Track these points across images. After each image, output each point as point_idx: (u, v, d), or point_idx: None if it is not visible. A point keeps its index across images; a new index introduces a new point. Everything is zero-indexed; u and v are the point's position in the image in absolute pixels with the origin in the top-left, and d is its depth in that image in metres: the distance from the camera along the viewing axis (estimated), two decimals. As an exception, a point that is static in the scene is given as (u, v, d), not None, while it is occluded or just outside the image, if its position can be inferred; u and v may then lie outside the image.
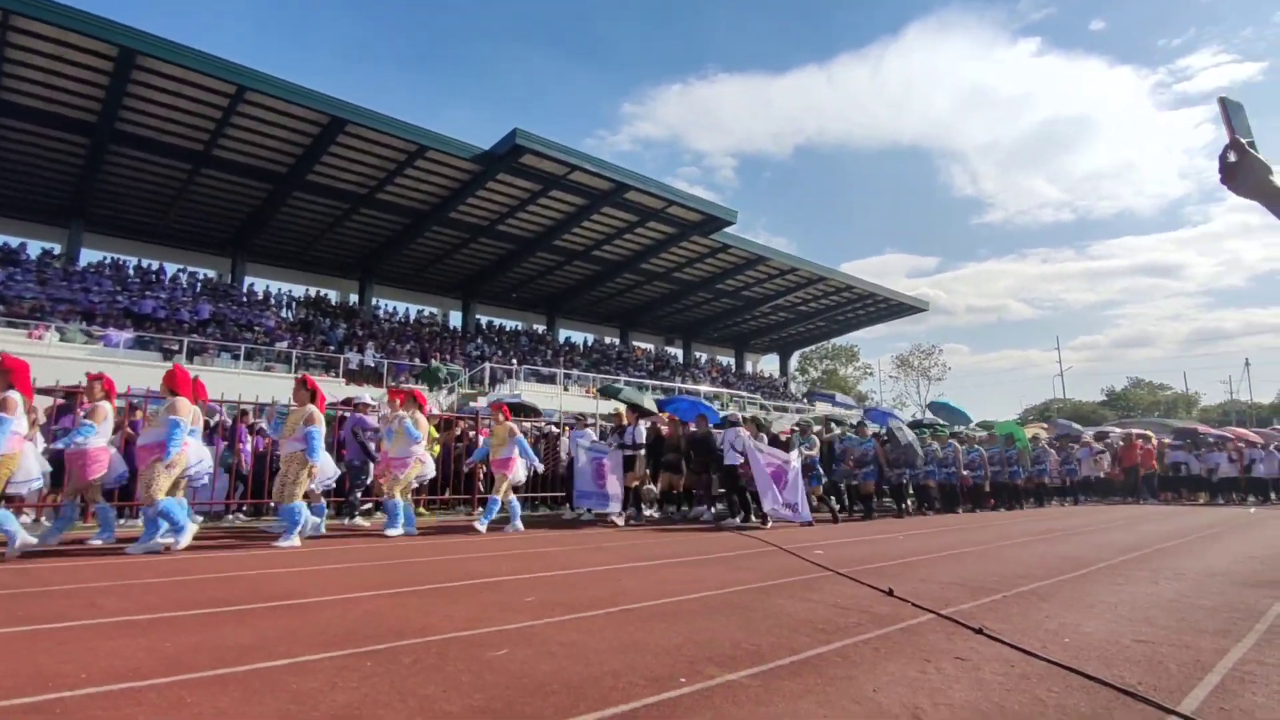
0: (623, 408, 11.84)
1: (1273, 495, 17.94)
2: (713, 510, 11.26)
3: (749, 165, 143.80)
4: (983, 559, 6.84)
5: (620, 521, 9.99)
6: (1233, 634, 3.84)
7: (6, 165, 21.92)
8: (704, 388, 33.14)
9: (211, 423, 8.87)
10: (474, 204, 26.07)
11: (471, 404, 19.26)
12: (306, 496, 7.31)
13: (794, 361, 54.29)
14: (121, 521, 7.75)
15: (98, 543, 6.61)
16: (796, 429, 12.69)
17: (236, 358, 20.54)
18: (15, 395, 5.74)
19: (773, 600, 4.59)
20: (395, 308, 32.22)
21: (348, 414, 9.81)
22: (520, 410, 13.59)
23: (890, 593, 4.76)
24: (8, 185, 23.02)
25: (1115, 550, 7.63)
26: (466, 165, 23.38)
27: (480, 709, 2.47)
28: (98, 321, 19.72)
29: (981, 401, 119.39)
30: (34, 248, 23.72)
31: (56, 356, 15.02)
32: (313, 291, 30.11)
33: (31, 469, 5.88)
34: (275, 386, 9.39)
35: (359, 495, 9.53)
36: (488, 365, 25.61)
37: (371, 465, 9.24)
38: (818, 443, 11.34)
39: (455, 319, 34.43)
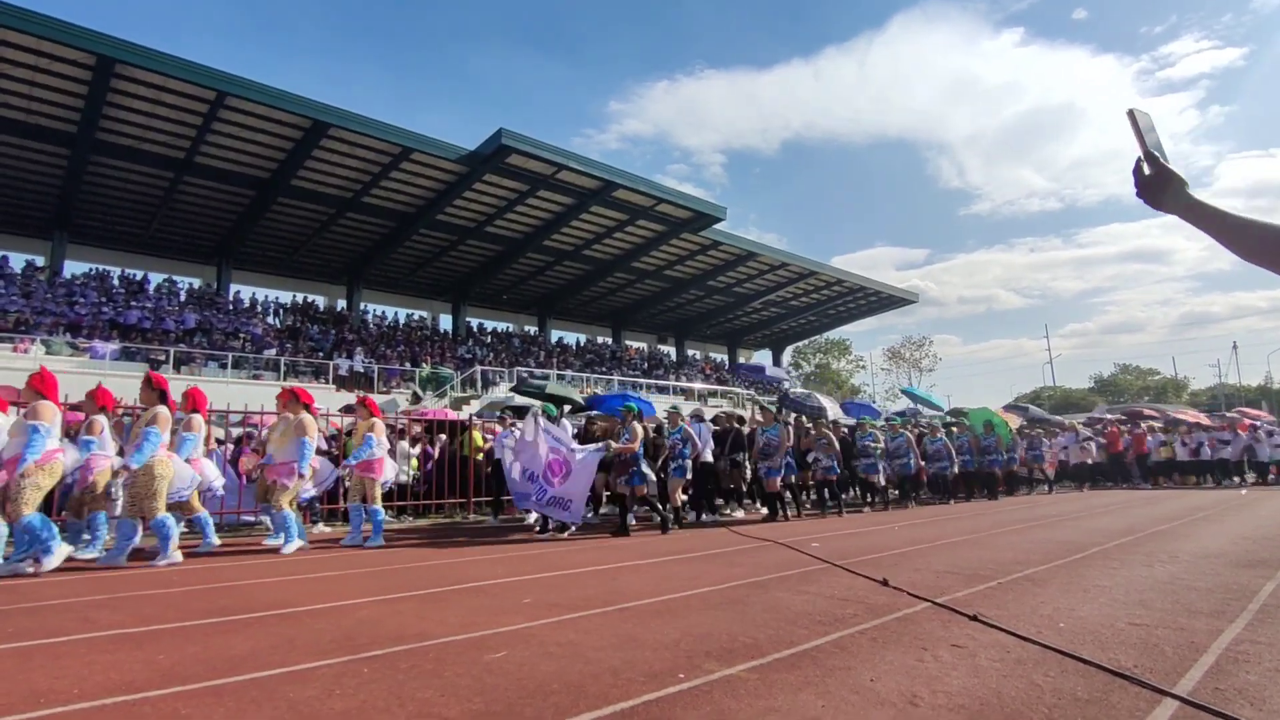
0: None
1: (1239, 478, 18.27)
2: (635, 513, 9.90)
3: (738, 161, 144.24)
4: (977, 547, 6.87)
5: (564, 532, 8.76)
6: (1226, 614, 3.87)
7: (-14, 178, 21.69)
8: (698, 385, 33.17)
9: (220, 435, 8.85)
10: (461, 205, 25.96)
11: (466, 407, 19.20)
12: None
13: (787, 356, 54.40)
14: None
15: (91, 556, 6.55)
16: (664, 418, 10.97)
17: (225, 366, 20.38)
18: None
19: (770, 594, 4.60)
20: (384, 312, 32.06)
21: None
22: (556, 400, 13.25)
23: (885, 583, 4.78)
24: (-12, 198, 22.78)
25: (1109, 535, 7.69)
26: (452, 167, 23.28)
27: (480, 712, 2.46)
28: (83, 334, 19.53)
29: (973, 391, 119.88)
30: (17, 260, 23.47)
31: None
32: (300, 298, 29.91)
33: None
34: (264, 394, 9.31)
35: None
36: (479, 368, 25.52)
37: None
38: (639, 432, 9.20)
39: (445, 322, 34.29)
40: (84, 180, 21.94)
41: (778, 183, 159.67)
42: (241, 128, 20.43)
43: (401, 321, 31.70)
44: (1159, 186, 1.44)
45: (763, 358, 50.59)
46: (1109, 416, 23.01)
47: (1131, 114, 1.49)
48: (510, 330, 36.03)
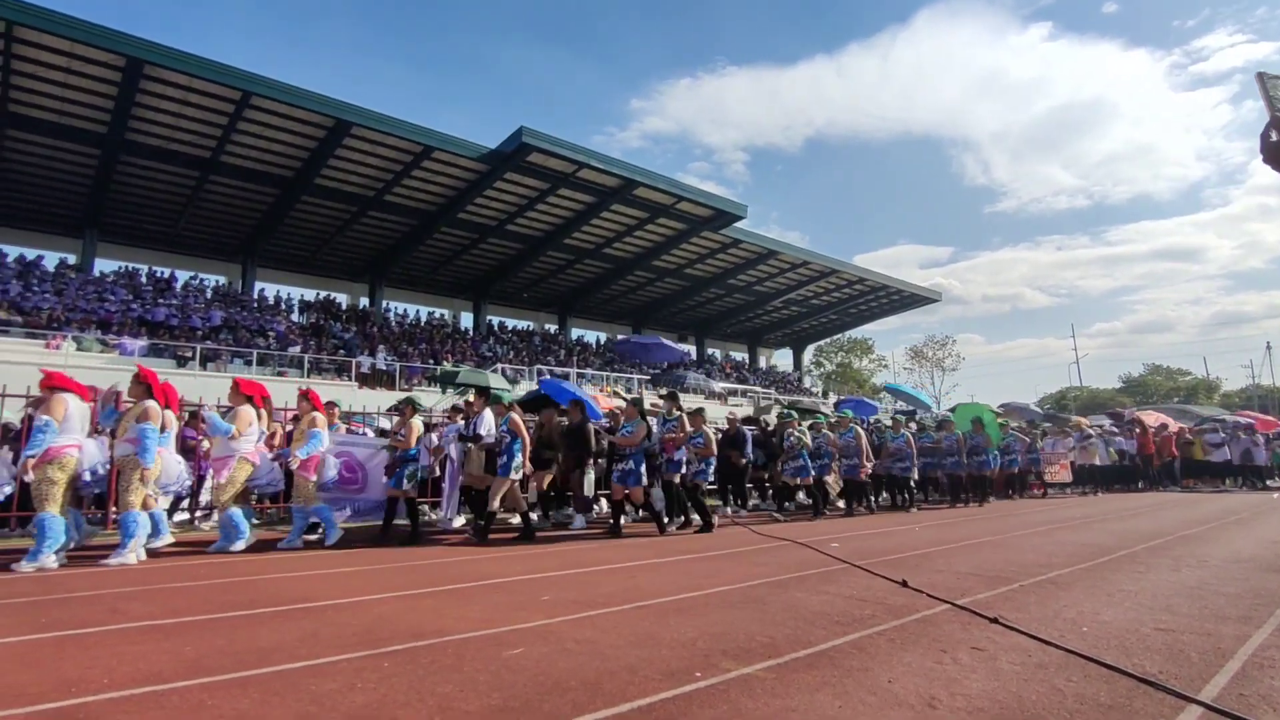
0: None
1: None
2: (584, 516, 9.18)
3: (760, 159, 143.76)
4: (1000, 549, 6.80)
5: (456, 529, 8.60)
6: (1254, 620, 3.80)
7: (22, 178, 22.16)
8: (718, 384, 33.11)
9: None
10: (482, 204, 26.11)
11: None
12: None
13: (808, 355, 54.11)
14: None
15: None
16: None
17: (249, 363, 20.69)
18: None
19: (788, 593, 4.58)
20: (406, 310, 32.35)
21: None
22: (473, 388, 12.68)
23: (905, 584, 4.74)
24: (24, 198, 23.27)
25: (1136, 538, 7.57)
26: (474, 165, 23.41)
27: (498, 707, 2.48)
28: (113, 330, 19.92)
29: (998, 391, 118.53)
30: (50, 259, 24.01)
31: (75, 366, 15.16)
32: (323, 295, 30.27)
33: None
34: (288, 391, 9.41)
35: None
36: (500, 366, 25.67)
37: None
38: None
39: (466, 320, 34.53)
40: (114, 180, 22.36)
41: (800, 180, 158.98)
42: (266, 127, 20.70)
43: (423, 319, 31.96)
44: None
45: (783, 356, 50.42)
46: (1147, 417, 22.04)
47: (1261, 77, 1.44)
48: (531, 328, 36.18)
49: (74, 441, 5.88)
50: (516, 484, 8.19)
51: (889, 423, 13.67)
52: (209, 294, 25.34)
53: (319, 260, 29.86)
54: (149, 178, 22.61)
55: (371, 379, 22.41)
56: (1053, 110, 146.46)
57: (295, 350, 22.42)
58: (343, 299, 31.10)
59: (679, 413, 9.09)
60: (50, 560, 5.55)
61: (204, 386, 12.92)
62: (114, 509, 7.12)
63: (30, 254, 23.13)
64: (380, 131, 21.08)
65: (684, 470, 8.86)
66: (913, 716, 2.42)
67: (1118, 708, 2.51)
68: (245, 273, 27.68)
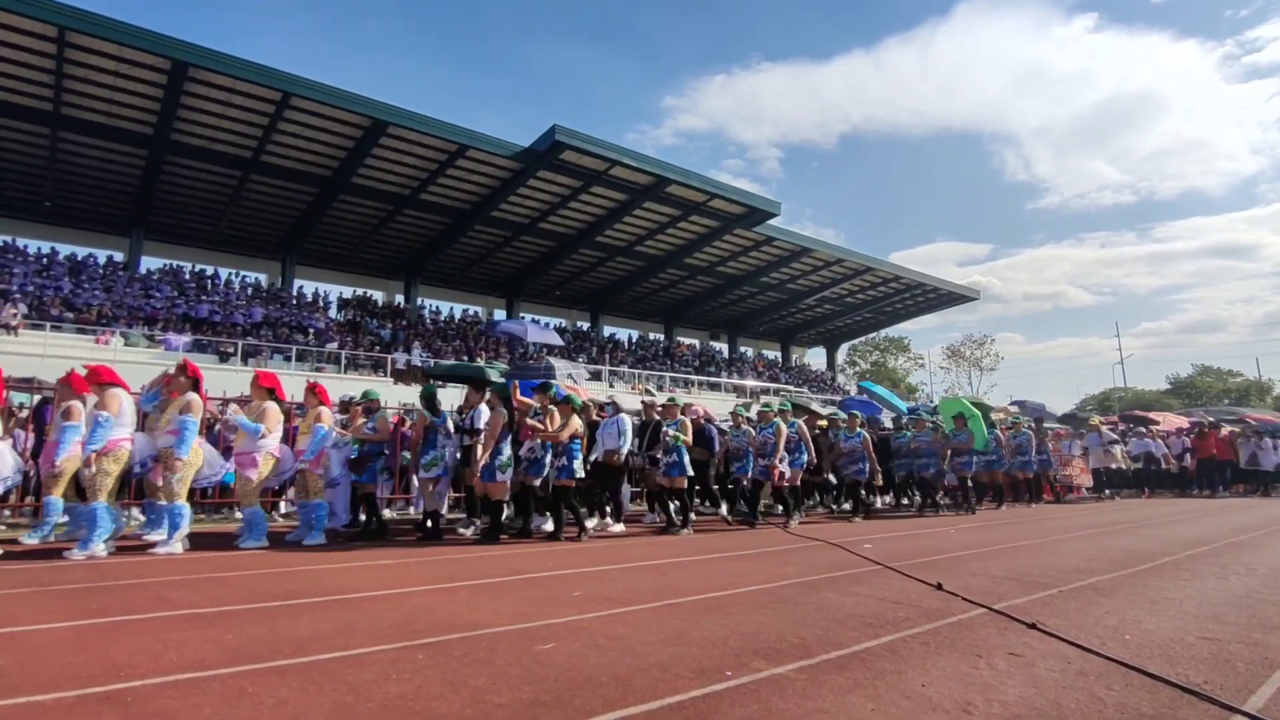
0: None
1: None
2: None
3: (795, 156, 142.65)
4: (1039, 553, 6.67)
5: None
6: (1307, 630, 3.67)
7: (73, 178, 22.91)
8: (750, 382, 32.94)
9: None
10: (515, 202, 26.30)
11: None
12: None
13: (842, 354, 53.54)
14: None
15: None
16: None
17: (289, 359, 21.14)
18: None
19: (820, 594, 4.55)
20: (440, 307, 32.74)
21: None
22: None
23: (939, 587, 4.67)
24: (74, 197, 24.06)
25: (1182, 544, 7.36)
26: (507, 163, 23.59)
27: (530, 701, 2.51)
28: (159, 326, 20.50)
29: (1037, 392, 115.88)
30: (99, 257, 24.79)
31: (123, 360, 15.64)
32: (360, 292, 30.76)
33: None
34: (327, 386, 9.57)
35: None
36: (532, 363, 25.82)
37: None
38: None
39: (499, 317, 34.81)
40: (159, 180, 22.98)
41: (835, 177, 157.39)
42: (305, 127, 21.10)
43: (457, 316, 32.31)
44: None
45: (816, 355, 49.94)
46: (1207, 419, 20.93)
47: None
48: (563, 326, 36.36)
49: (127, 435, 6.11)
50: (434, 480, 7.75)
51: (844, 419, 11.93)
52: (250, 291, 25.94)
53: (356, 258, 30.37)
54: (193, 177, 23.20)
55: (406, 375, 22.73)
56: (1098, 104, 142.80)
57: (333, 346, 22.85)
58: (379, 296, 31.59)
59: (552, 407, 7.97)
60: (100, 549, 5.74)
61: (244, 382, 13.22)
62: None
63: (81, 252, 23.91)
64: (416, 131, 21.35)
65: (545, 471, 7.74)
66: (947, 721, 2.39)
67: (1161, 718, 2.44)
68: (285, 270, 28.25)
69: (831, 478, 11.42)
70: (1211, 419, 19.72)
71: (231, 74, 18.31)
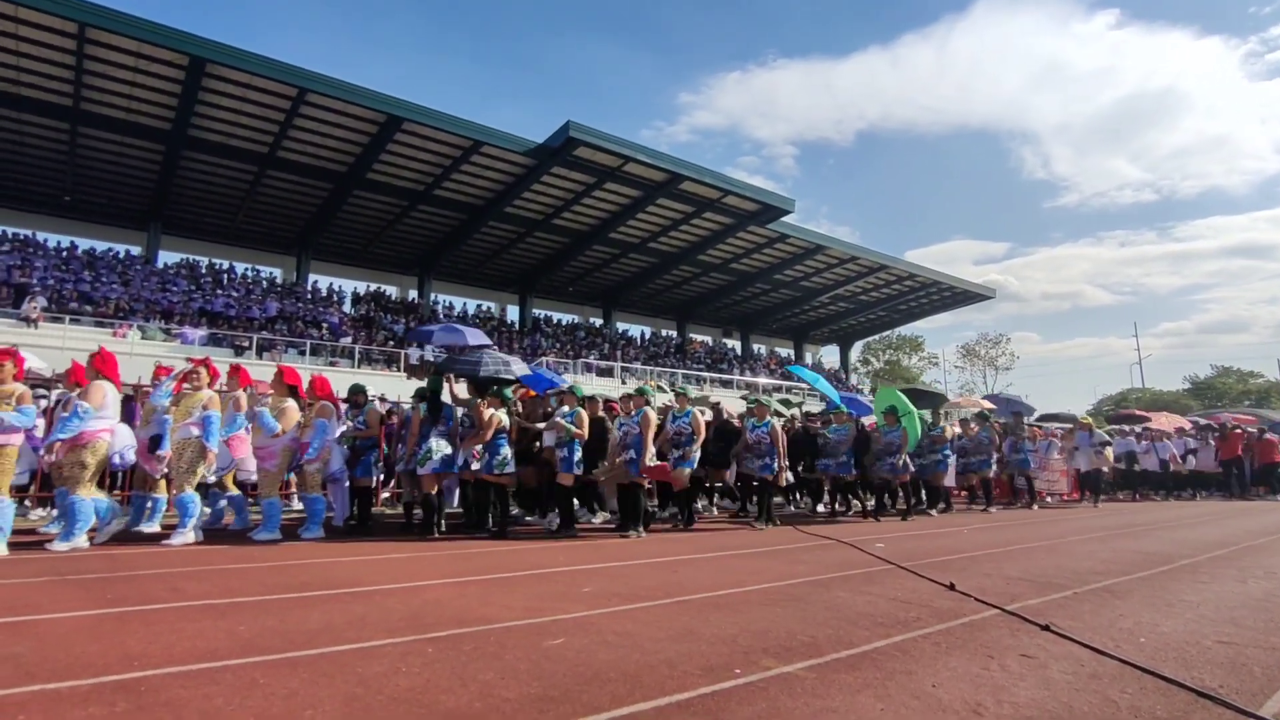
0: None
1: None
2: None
3: (810, 153, 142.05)
4: (1054, 554, 6.61)
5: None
6: (1326, 635, 3.62)
7: (92, 173, 23.17)
8: (762, 379, 32.84)
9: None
10: (529, 198, 26.34)
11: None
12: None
13: (856, 352, 53.25)
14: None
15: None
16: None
17: (303, 353, 21.30)
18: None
19: (831, 593, 4.53)
20: (453, 303, 32.84)
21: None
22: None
23: (952, 587, 4.64)
24: (93, 192, 24.34)
25: (1200, 547, 7.27)
26: (521, 159, 23.62)
27: (538, 696, 2.51)
28: (175, 320, 20.71)
29: (1054, 392, 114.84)
30: (118, 251, 25.08)
31: (139, 354, 15.82)
32: (374, 288, 30.92)
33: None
34: (340, 380, 9.61)
35: None
36: (545, 359, 25.89)
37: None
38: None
39: (513, 313, 34.93)
40: (176, 175, 23.20)
41: (851, 175, 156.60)
42: (321, 123, 21.23)
43: (470, 312, 32.42)
44: None
45: (830, 353, 49.70)
46: (1159, 420, 20.15)
47: None
48: (575, 322, 36.40)
49: (107, 427, 6.02)
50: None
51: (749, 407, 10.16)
52: (265, 286, 26.16)
53: (370, 253, 30.52)
54: (209, 172, 23.40)
55: (419, 370, 22.84)
56: (1119, 101, 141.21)
57: (347, 341, 23.00)
58: (393, 291, 31.75)
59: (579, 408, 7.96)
60: (82, 541, 5.74)
61: (260, 374, 13.32)
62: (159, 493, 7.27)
63: (100, 246, 24.20)
64: (430, 127, 21.42)
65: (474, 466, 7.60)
66: (958, 722, 2.37)
67: (1176, 722, 2.41)
68: (300, 265, 28.45)
69: (729, 474, 9.89)
70: (1213, 423, 19.35)
71: (249, 70, 18.45)
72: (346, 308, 27.95)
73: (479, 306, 33.74)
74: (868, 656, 3.10)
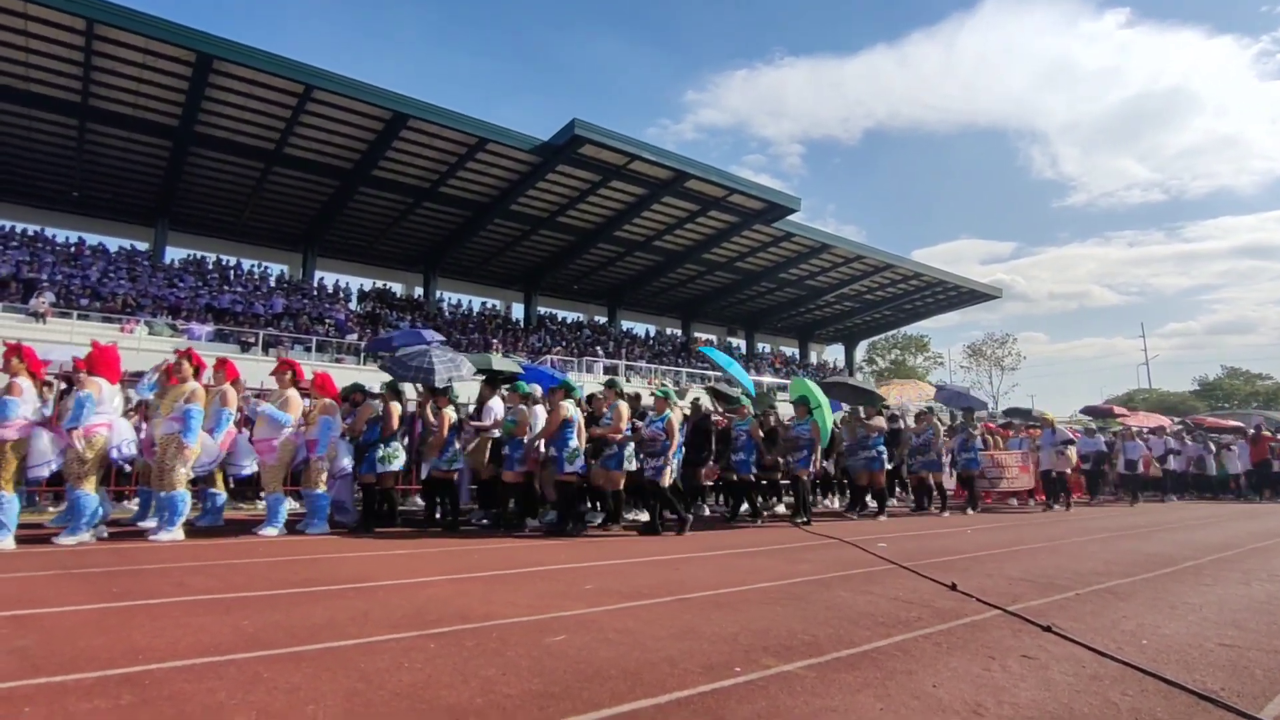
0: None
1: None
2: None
3: (816, 151, 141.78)
4: (1056, 555, 6.60)
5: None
6: (1330, 639, 3.60)
7: (100, 169, 23.26)
8: (766, 379, 32.79)
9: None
10: (534, 196, 26.36)
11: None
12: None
13: (861, 351, 53.14)
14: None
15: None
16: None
17: (309, 349, 21.35)
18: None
19: (832, 592, 4.53)
20: (459, 300, 32.90)
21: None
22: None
23: (954, 587, 4.64)
24: (101, 188, 24.44)
25: (1204, 549, 7.25)
26: (526, 157, 23.64)
27: (539, 693, 2.52)
28: (182, 316, 20.79)
29: (1060, 392, 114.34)
30: (126, 246, 25.22)
31: (146, 349, 15.88)
32: (379, 284, 30.99)
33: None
34: (344, 377, 9.63)
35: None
36: (550, 357, 25.91)
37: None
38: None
39: (518, 311, 34.95)
40: (184, 171, 23.28)
41: (858, 173, 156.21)
42: (327, 119, 21.28)
43: (475, 310, 32.47)
44: None
45: (834, 352, 49.59)
46: (1134, 419, 19.43)
47: None
48: (580, 320, 36.41)
49: (104, 420, 6.02)
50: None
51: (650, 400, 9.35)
52: (272, 282, 26.25)
53: (376, 250, 30.59)
54: (216, 169, 23.48)
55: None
56: (1128, 101, 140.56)
57: (352, 338, 23.05)
58: (398, 288, 31.80)
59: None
60: (87, 535, 5.78)
61: (266, 371, 13.39)
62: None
63: (108, 242, 24.34)
64: (436, 124, 21.45)
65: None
66: (957, 722, 2.37)
67: (1176, 724, 2.41)
68: (306, 262, 28.53)
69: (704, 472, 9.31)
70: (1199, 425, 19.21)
71: (255, 66, 18.50)
72: (352, 304, 28.01)
73: (484, 304, 33.78)
74: (868, 656, 3.10)
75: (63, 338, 15.92)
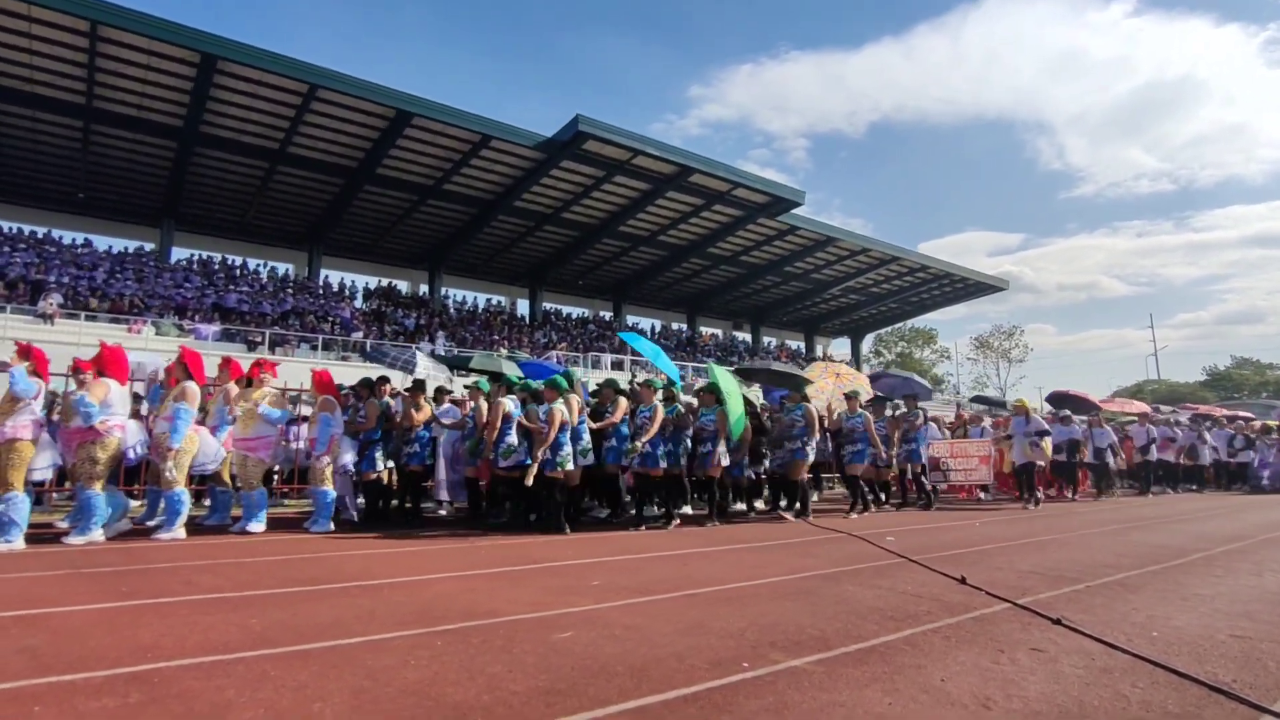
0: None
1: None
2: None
3: (822, 145, 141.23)
4: (1066, 547, 6.56)
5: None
6: (1343, 630, 3.57)
7: (105, 170, 23.35)
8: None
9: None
10: (538, 192, 26.35)
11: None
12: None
13: (867, 344, 53.00)
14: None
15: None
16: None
17: (315, 348, 21.43)
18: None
19: (841, 587, 4.51)
20: (464, 297, 32.94)
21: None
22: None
23: (963, 580, 4.61)
24: (107, 189, 24.53)
25: (1215, 540, 7.19)
26: (530, 153, 23.63)
27: (546, 689, 2.52)
28: (189, 315, 20.88)
29: (1069, 384, 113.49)
30: (131, 247, 25.31)
31: (154, 349, 15.95)
32: (385, 282, 31.05)
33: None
34: (350, 375, 9.65)
35: None
36: (555, 353, 25.93)
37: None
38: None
39: (523, 307, 34.97)
40: (189, 171, 23.35)
41: (864, 167, 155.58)
42: (331, 118, 21.31)
43: (480, 306, 32.49)
44: None
45: (841, 345, 49.49)
46: (1109, 405, 18.35)
47: None
48: (585, 315, 36.41)
49: (118, 422, 6.04)
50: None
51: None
52: (278, 281, 26.32)
53: (381, 248, 30.65)
54: (221, 169, 23.54)
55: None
56: (1135, 90, 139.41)
57: (358, 336, 23.11)
58: (403, 286, 31.86)
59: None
60: (98, 535, 5.80)
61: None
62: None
63: (114, 243, 24.44)
64: (440, 121, 21.44)
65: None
66: (966, 717, 2.35)
67: (1187, 716, 2.39)
68: (311, 260, 28.60)
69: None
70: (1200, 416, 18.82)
71: (259, 66, 18.53)
72: (358, 302, 28.09)
73: (489, 300, 33.81)
74: (876, 650, 3.08)
75: (70, 339, 16.01)
